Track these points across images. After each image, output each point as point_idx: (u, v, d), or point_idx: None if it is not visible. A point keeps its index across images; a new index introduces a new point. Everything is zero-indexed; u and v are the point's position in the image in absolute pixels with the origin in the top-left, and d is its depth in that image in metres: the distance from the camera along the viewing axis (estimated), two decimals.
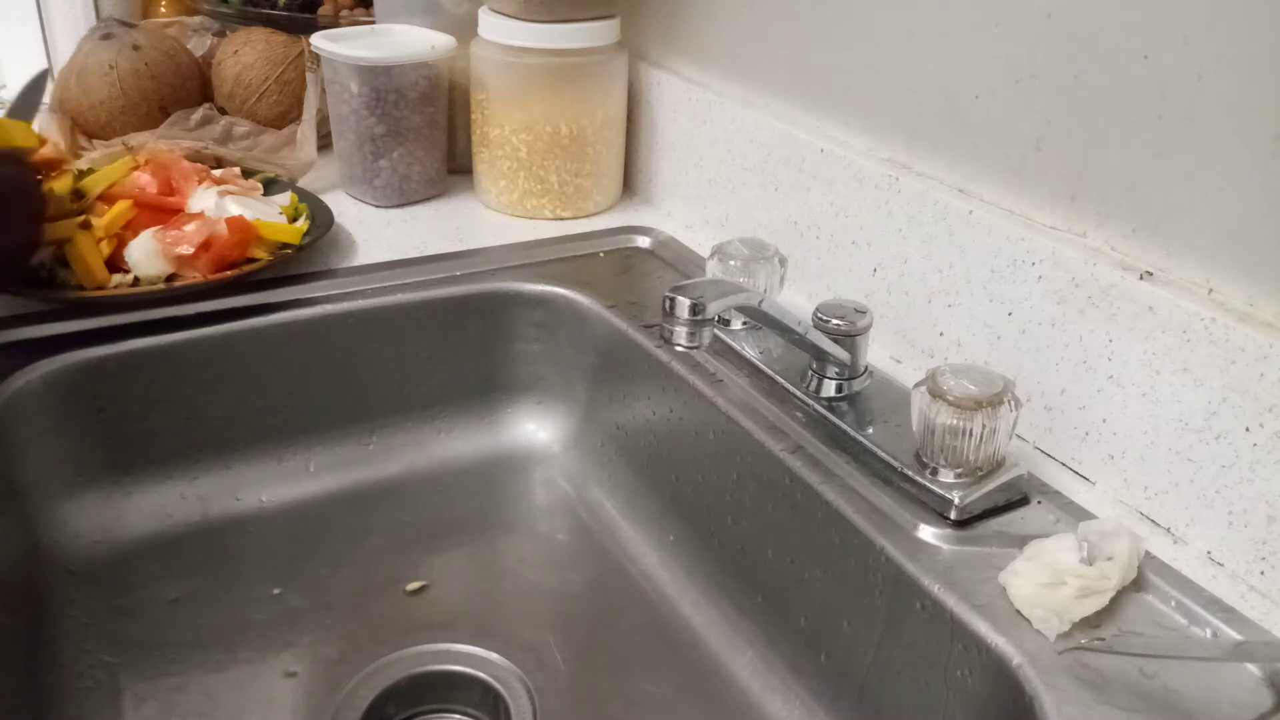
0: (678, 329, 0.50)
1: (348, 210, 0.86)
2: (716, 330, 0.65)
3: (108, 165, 0.75)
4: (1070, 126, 0.55)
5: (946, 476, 0.53)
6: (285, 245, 0.74)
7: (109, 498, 0.68)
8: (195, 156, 0.83)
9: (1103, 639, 0.46)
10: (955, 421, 0.51)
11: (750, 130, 0.77)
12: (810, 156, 0.71)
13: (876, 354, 0.68)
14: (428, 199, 0.90)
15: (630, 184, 0.94)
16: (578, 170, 0.87)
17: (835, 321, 0.58)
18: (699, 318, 0.50)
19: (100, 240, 0.69)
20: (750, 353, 0.66)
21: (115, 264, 0.69)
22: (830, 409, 0.60)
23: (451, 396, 0.78)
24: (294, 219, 0.78)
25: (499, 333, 0.78)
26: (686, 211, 0.87)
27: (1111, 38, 0.52)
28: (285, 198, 0.80)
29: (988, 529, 0.53)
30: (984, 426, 0.51)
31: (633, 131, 0.91)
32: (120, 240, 0.70)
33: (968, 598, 0.48)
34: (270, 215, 0.76)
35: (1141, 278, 0.52)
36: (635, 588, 0.68)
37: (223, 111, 0.95)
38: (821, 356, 0.60)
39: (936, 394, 0.52)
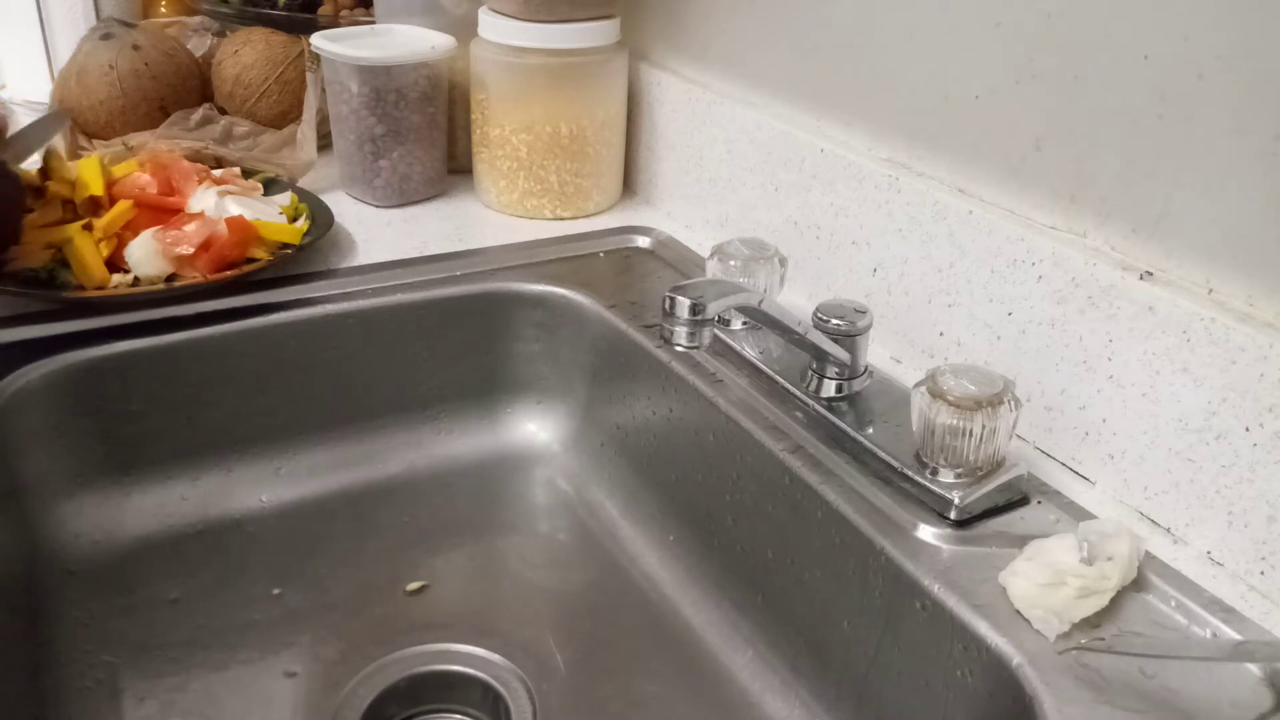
0: (678, 329, 0.50)
1: (348, 210, 0.86)
2: (716, 330, 0.65)
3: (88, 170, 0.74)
4: (1070, 126, 0.55)
5: (946, 476, 0.53)
6: (285, 245, 0.74)
7: (109, 498, 0.67)
8: (195, 156, 0.83)
9: (1103, 639, 0.46)
10: (955, 421, 0.51)
11: (750, 130, 0.77)
12: (810, 156, 0.71)
13: (876, 354, 0.67)
14: (428, 199, 0.90)
15: (630, 184, 0.94)
16: (578, 170, 0.87)
17: (835, 321, 0.58)
18: (699, 318, 0.50)
19: (100, 240, 0.69)
20: (750, 353, 0.66)
21: (115, 264, 0.69)
22: (830, 409, 0.60)
23: (451, 396, 0.78)
24: (294, 219, 0.78)
25: (499, 333, 0.78)
26: (686, 211, 0.87)
27: (1111, 37, 0.52)
28: (285, 198, 0.80)
29: (988, 529, 0.53)
30: (984, 426, 0.51)
31: (633, 131, 0.91)
32: (120, 240, 0.70)
33: (968, 598, 0.48)
34: (270, 215, 0.76)
35: (1141, 278, 0.52)
36: (635, 588, 0.68)
37: (223, 111, 0.95)
38: (821, 356, 0.60)
39: (936, 394, 0.52)
